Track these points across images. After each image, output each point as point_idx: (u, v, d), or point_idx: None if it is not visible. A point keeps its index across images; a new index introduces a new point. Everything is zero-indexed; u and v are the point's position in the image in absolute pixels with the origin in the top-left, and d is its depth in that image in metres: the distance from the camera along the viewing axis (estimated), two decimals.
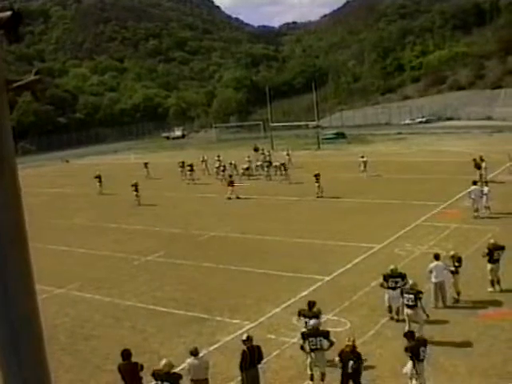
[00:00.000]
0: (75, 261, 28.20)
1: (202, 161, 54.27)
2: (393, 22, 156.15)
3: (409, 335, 14.06)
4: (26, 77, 2.37)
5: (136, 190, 41.87)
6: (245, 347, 13.74)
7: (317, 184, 38.36)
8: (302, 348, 14.43)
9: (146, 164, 55.50)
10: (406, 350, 13.59)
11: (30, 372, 2.50)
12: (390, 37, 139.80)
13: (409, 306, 16.48)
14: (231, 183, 41.43)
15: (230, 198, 40.29)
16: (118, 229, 34.38)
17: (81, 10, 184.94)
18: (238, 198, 40.35)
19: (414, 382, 13.51)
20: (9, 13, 2.09)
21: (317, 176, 38.54)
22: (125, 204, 41.98)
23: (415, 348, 13.52)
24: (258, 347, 13.88)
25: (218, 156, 52.45)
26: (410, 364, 13.55)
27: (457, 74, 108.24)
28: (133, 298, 22.15)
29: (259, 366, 13.88)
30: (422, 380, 13.60)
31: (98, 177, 48.73)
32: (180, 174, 51.44)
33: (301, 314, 16.09)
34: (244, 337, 14.13)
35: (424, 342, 13.78)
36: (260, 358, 13.83)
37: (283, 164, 48.22)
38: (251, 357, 13.59)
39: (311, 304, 16.01)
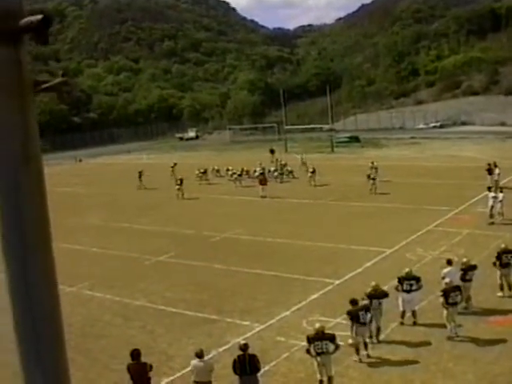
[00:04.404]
0: (87, 260, 28.31)
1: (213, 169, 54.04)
2: (408, 26, 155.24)
3: (353, 302, 16.14)
4: (52, 78, 2.46)
5: (181, 184, 43.39)
6: (236, 356, 13.80)
7: (371, 182, 39.68)
8: (308, 352, 14.46)
9: (174, 164, 54.96)
10: (347, 313, 16.09)
11: (50, 371, 2.55)
12: (405, 41, 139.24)
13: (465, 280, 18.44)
14: (263, 182, 42.22)
15: (264, 197, 40.90)
16: (131, 229, 34.50)
17: (97, 10, 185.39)
18: (263, 197, 40.92)
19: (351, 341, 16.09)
20: (40, 16, 2.17)
21: (369, 176, 40.42)
22: (138, 204, 42.21)
23: (354, 312, 15.88)
24: (254, 356, 13.78)
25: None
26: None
27: (471, 79, 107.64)
28: (143, 297, 22.24)
29: (258, 374, 13.84)
30: (365, 340, 16.11)
31: (140, 172, 50.10)
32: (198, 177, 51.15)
33: (371, 296, 16.85)
34: (241, 343, 14.19)
35: (364, 308, 16.03)
36: (255, 367, 13.68)
37: (292, 171, 49.90)
38: (241, 365, 13.60)
39: (376, 286, 17.18)
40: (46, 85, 2.44)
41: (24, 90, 2.37)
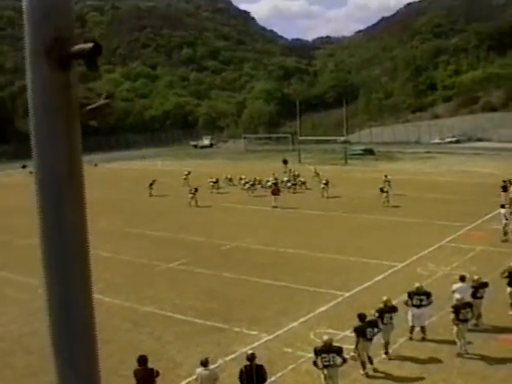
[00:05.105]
0: (97, 264, 28.11)
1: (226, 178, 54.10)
2: (427, 40, 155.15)
3: (360, 317, 16.08)
4: (96, 101, 2.61)
5: (195, 192, 43.50)
6: (243, 366, 13.76)
7: (384, 194, 39.86)
8: (315, 364, 14.38)
9: (188, 172, 55.19)
10: (354, 330, 15.97)
11: (84, 379, 2.60)
12: (424, 55, 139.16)
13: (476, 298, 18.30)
14: (276, 192, 42.13)
15: (275, 207, 40.80)
16: (142, 234, 34.53)
17: (117, 17, 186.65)
18: (275, 207, 40.84)
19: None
20: (91, 44, 2.30)
21: (382, 190, 40.57)
22: (150, 210, 42.29)
23: (361, 328, 15.80)
24: (261, 367, 13.76)
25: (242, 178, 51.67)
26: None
27: (489, 95, 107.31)
28: (152, 304, 22.23)
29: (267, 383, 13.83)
30: (368, 354, 15.89)
31: (153, 181, 50.50)
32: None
33: (382, 311, 16.79)
34: (248, 353, 14.15)
35: (372, 323, 15.99)
36: (262, 377, 13.65)
37: (305, 182, 49.62)
38: (247, 375, 13.56)
39: (387, 301, 17.09)
40: (90, 107, 2.54)
41: (72, 113, 2.49)
